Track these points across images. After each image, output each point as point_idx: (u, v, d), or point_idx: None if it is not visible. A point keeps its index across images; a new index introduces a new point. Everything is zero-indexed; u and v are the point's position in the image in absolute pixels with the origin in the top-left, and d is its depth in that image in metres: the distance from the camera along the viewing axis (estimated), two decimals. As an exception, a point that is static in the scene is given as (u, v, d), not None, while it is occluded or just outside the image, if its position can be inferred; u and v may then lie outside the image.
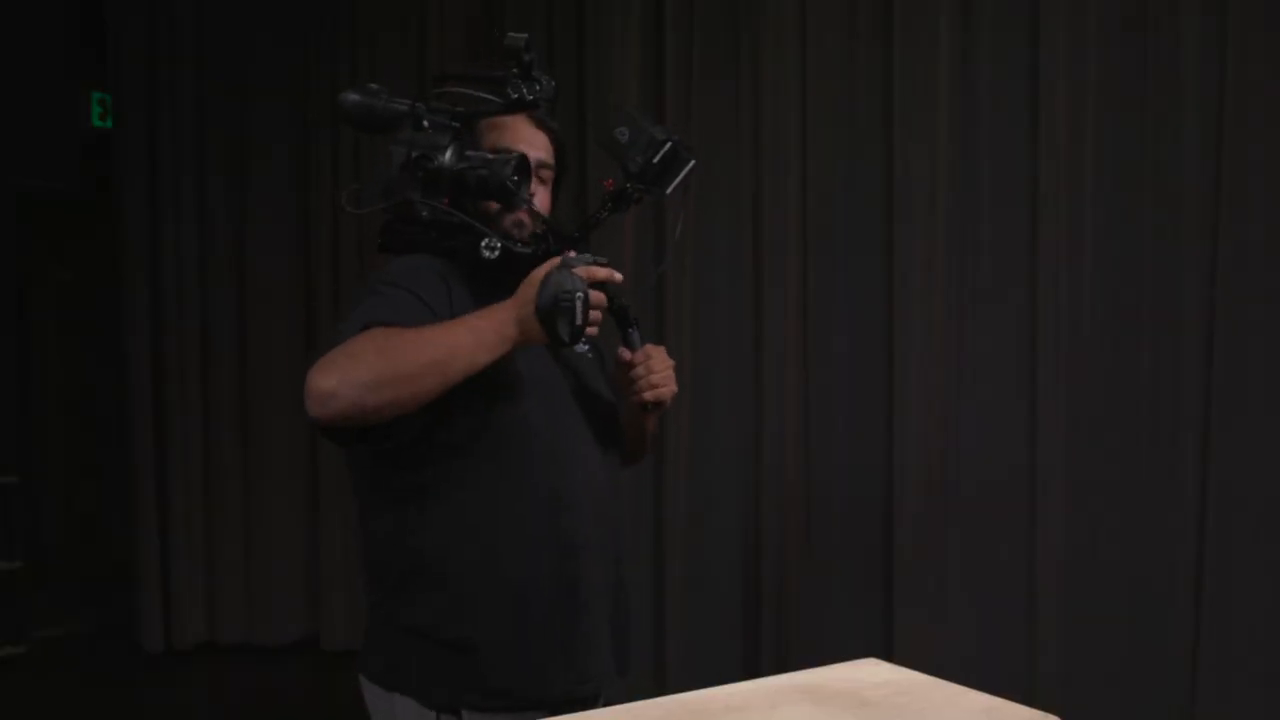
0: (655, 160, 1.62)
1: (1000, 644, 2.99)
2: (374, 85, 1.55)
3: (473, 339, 1.42)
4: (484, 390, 1.47)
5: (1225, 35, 2.61)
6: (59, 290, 5.68)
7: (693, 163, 1.65)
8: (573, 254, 1.51)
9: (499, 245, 1.48)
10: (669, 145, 1.62)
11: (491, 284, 1.50)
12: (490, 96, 1.55)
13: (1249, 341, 2.61)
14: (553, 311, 1.41)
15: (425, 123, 1.51)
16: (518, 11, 4.10)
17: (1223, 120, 2.62)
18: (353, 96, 1.53)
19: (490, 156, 1.52)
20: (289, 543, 4.85)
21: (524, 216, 1.59)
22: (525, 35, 1.51)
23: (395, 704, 1.53)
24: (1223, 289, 2.63)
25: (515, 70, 1.51)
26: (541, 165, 1.65)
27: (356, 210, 1.57)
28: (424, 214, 1.50)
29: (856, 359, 3.30)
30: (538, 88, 1.52)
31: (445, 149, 1.50)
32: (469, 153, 1.53)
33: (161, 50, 4.72)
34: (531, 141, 1.64)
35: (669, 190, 1.65)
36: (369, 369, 1.36)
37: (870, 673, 1.31)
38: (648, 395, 1.64)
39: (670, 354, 1.74)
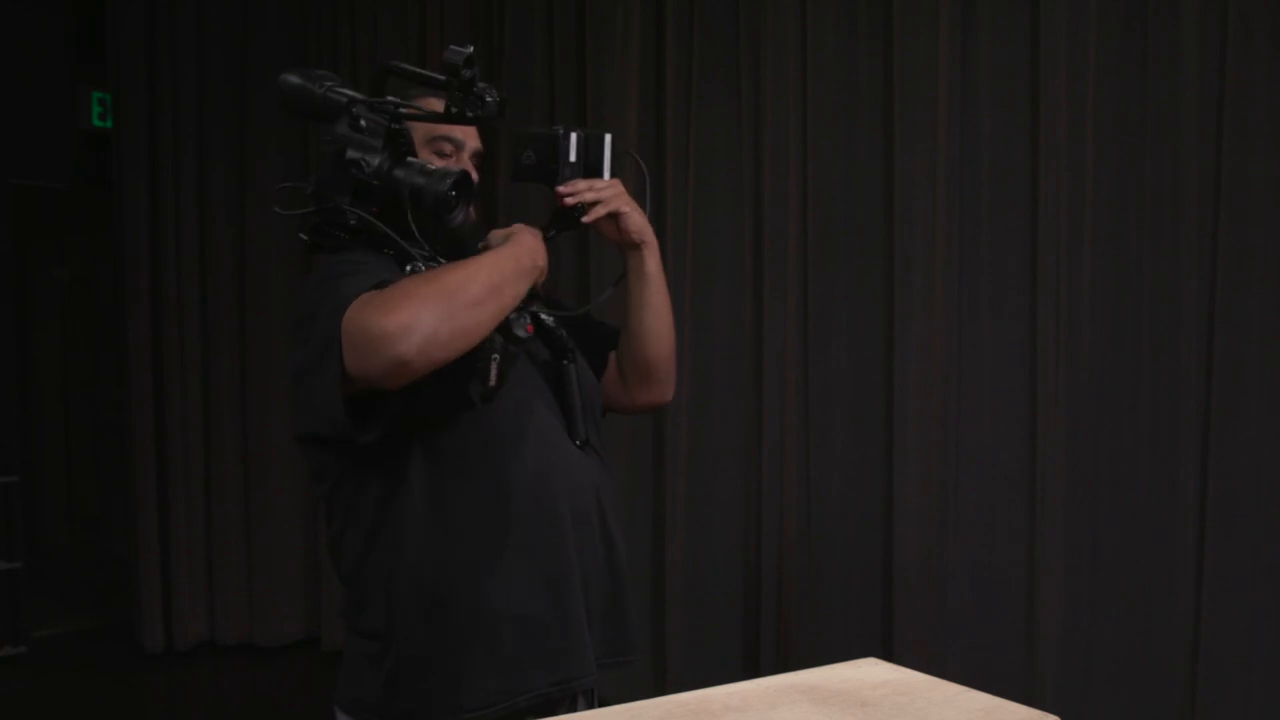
0: (573, 159, 1.59)
1: (1000, 644, 2.99)
2: (322, 71, 1.47)
3: (514, 265, 1.40)
4: (449, 394, 1.43)
5: (1225, 35, 2.61)
6: (59, 290, 5.69)
7: (610, 135, 1.62)
8: None
9: (424, 269, 1.40)
10: (576, 135, 1.58)
11: None
12: (421, 108, 1.48)
13: (1249, 342, 2.61)
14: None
15: (363, 121, 1.42)
16: (517, 12, 4.10)
17: (1223, 120, 2.62)
18: (293, 79, 1.44)
19: (431, 167, 1.44)
20: (289, 543, 4.85)
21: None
22: (468, 50, 1.41)
23: None
24: (1223, 290, 2.63)
25: (455, 84, 1.41)
26: (473, 154, 1.63)
27: (285, 212, 1.50)
28: (351, 222, 1.41)
29: (856, 360, 3.30)
30: (480, 104, 1.42)
31: (380, 152, 1.41)
32: (410, 159, 1.45)
33: (161, 50, 4.72)
34: (464, 129, 1.60)
35: (607, 174, 1.61)
36: (434, 301, 1.28)
37: (870, 673, 1.31)
38: (600, 211, 1.58)
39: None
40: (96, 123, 5.31)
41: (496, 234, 1.50)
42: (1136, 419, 2.79)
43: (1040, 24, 2.88)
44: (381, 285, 1.34)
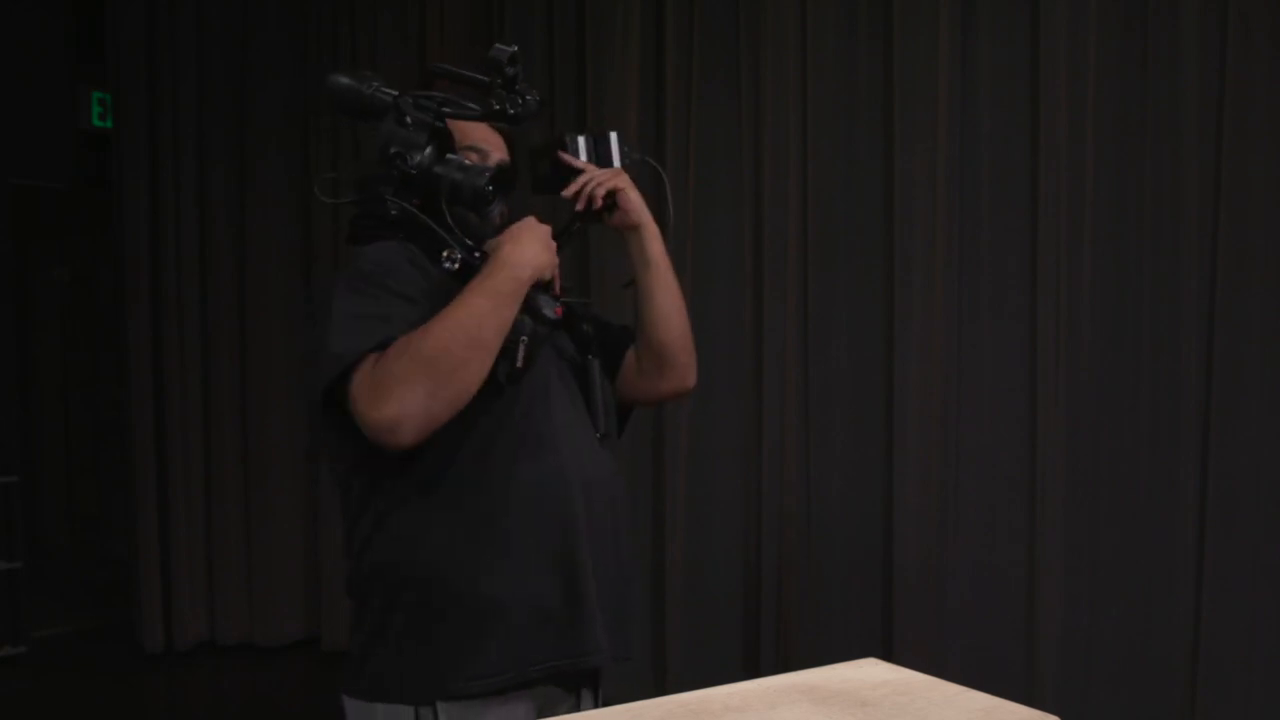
0: (584, 159, 1.65)
1: (1000, 644, 2.99)
2: (368, 72, 1.52)
3: (491, 300, 1.41)
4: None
5: (1225, 35, 2.61)
6: (59, 290, 5.69)
7: (615, 132, 1.68)
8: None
9: (459, 258, 1.45)
10: (583, 138, 1.65)
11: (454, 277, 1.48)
12: (469, 105, 1.52)
13: (1249, 342, 2.62)
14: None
15: (408, 118, 1.47)
16: (517, 12, 4.10)
17: (1223, 120, 2.62)
18: (343, 80, 1.50)
19: (468, 163, 1.50)
20: (289, 543, 4.85)
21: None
22: (513, 48, 1.45)
23: (376, 713, 1.49)
24: (1223, 290, 2.64)
25: (499, 82, 1.46)
26: (497, 164, 1.65)
27: (329, 200, 1.57)
28: (393, 213, 1.47)
29: (856, 360, 3.30)
30: (520, 102, 1.46)
31: (423, 148, 1.46)
32: (450, 155, 1.50)
33: (161, 50, 4.72)
34: (488, 140, 1.65)
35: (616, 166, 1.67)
36: (420, 381, 1.34)
37: (869, 673, 1.31)
38: (599, 193, 1.63)
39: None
40: (96, 123, 5.31)
41: (491, 244, 1.50)
42: (1136, 419, 2.79)
43: (1040, 24, 2.88)
44: (382, 345, 1.38)
